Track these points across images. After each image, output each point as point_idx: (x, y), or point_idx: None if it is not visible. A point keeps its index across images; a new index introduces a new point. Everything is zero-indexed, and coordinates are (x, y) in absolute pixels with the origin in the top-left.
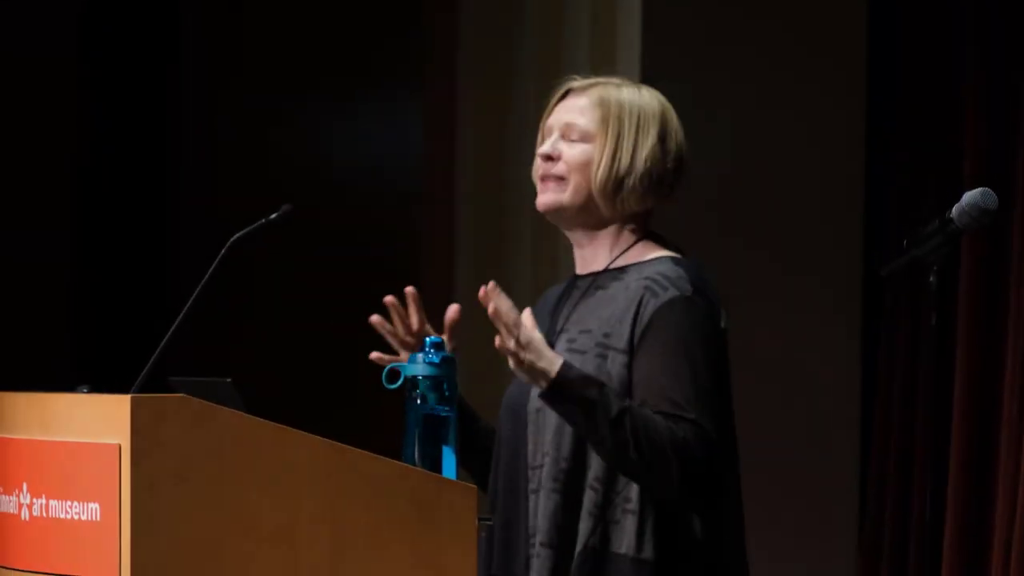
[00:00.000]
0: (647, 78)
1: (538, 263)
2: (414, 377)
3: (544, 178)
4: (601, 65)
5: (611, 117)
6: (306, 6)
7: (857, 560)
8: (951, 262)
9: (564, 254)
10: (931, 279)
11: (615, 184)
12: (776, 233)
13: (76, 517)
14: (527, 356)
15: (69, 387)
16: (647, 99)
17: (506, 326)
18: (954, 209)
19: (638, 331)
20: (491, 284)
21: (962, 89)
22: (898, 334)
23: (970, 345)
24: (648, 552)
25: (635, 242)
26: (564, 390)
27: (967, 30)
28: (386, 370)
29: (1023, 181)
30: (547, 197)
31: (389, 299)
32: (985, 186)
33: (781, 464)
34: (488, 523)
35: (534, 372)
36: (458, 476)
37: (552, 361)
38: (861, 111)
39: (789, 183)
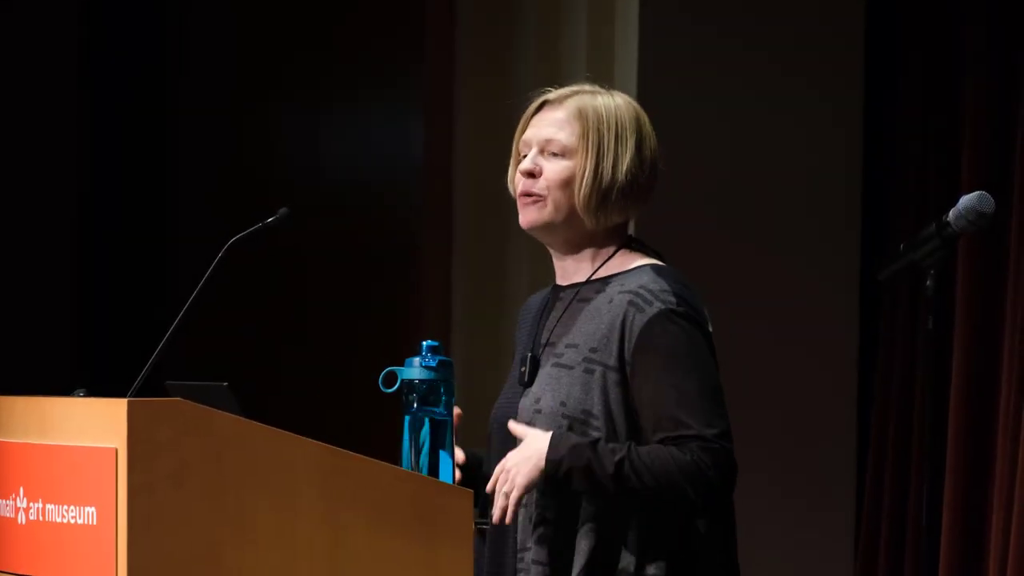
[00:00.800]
0: (643, 83)
1: (535, 266)
2: (411, 381)
3: (524, 195)
4: (598, 67)
5: (590, 130)
6: (305, 8)
7: (854, 562)
8: (948, 266)
9: None
10: (928, 283)
11: (599, 199)
12: (774, 237)
13: (73, 521)
14: (516, 481)
15: (66, 391)
16: (622, 107)
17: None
18: (951, 213)
19: (628, 348)
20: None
21: (959, 93)
22: (896, 338)
23: (967, 348)
24: (651, 568)
25: (615, 251)
26: (558, 474)
27: (965, 35)
28: (383, 374)
29: (1020, 185)
30: (529, 216)
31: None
32: (982, 190)
33: (779, 466)
34: (485, 526)
35: (531, 479)
36: (454, 480)
37: (536, 458)
38: (859, 115)
39: (787, 187)
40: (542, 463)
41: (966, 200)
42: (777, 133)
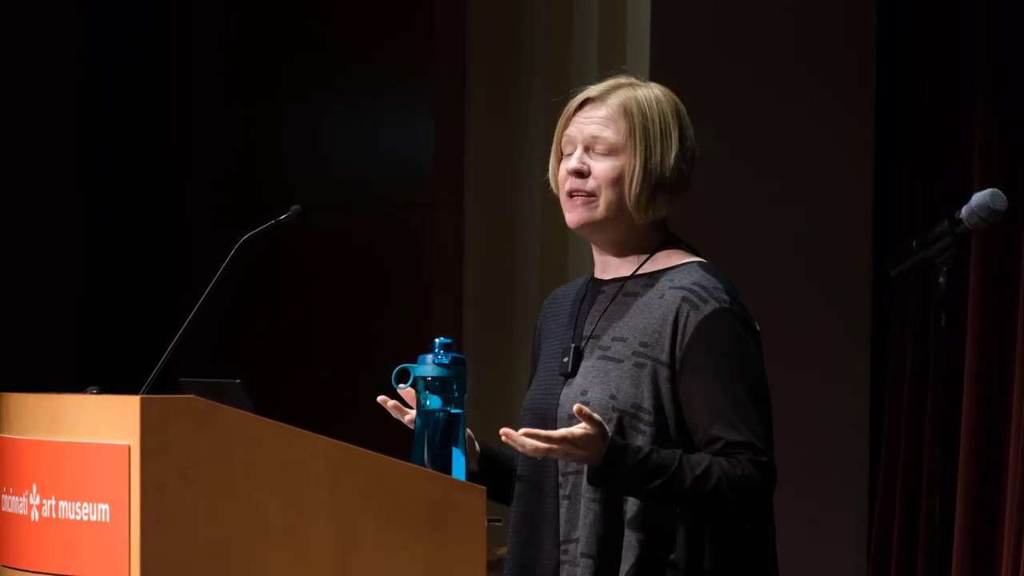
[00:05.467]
0: (656, 80)
1: (545, 264)
2: (424, 378)
3: (573, 194)
4: (609, 66)
5: (637, 128)
6: (313, 7)
7: (867, 561)
8: (960, 263)
9: (572, 256)
10: (940, 280)
11: (649, 195)
12: (786, 235)
13: (86, 518)
14: (572, 455)
15: (79, 388)
16: (663, 99)
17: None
18: (963, 210)
19: (681, 344)
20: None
21: (971, 89)
22: (908, 335)
23: (979, 345)
24: (702, 563)
25: (659, 245)
26: (617, 471)
27: (976, 31)
28: (396, 371)
29: None
30: (578, 214)
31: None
32: (994, 187)
33: (790, 464)
34: (496, 523)
35: (584, 460)
36: (467, 477)
37: (601, 446)
38: (871, 111)
39: (798, 184)
40: (597, 464)
41: (979, 197)
42: (789, 130)
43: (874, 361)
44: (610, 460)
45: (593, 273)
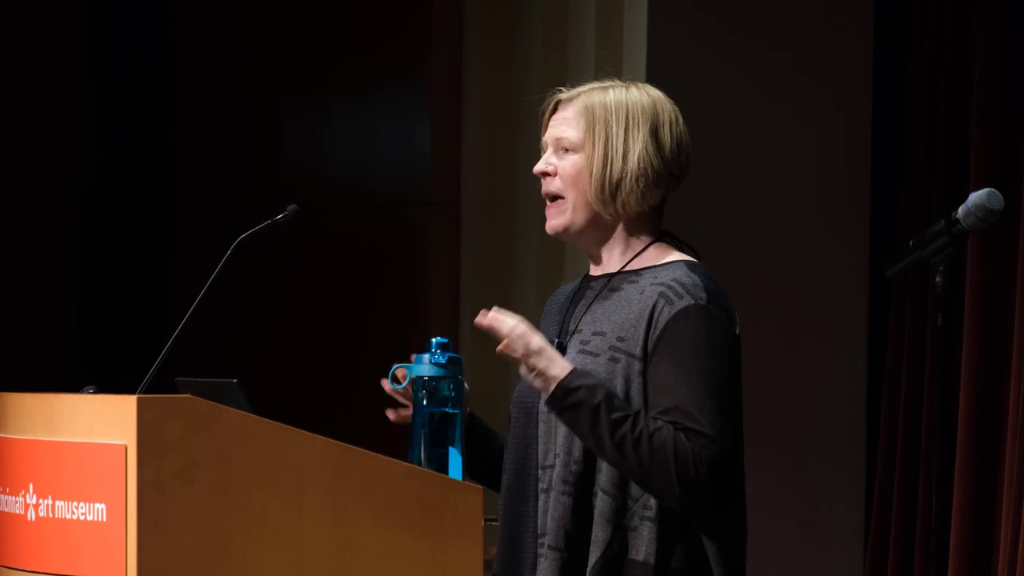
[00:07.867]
0: (653, 79)
1: (543, 266)
2: (420, 377)
3: (546, 197)
4: (607, 66)
5: (596, 123)
6: (313, 6)
7: (863, 560)
8: (957, 262)
9: (569, 257)
10: (937, 279)
11: (611, 189)
12: (783, 234)
13: (83, 518)
14: (538, 362)
15: (74, 388)
16: (635, 96)
17: (511, 340)
18: (960, 210)
19: (652, 338)
20: (492, 311)
21: (969, 89)
22: (905, 335)
23: (976, 345)
24: (670, 560)
25: (648, 244)
26: (569, 395)
27: (974, 29)
28: (392, 370)
29: None
30: (553, 223)
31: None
32: (991, 187)
33: (787, 463)
34: (494, 523)
35: (545, 378)
36: (464, 477)
37: (563, 368)
38: (867, 111)
39: (796, 184)
40: (551, 382)
41: (975, 197)
42: (786, 130)
43: (871, 360)
44: (572, 377)
45: (588, 271)
